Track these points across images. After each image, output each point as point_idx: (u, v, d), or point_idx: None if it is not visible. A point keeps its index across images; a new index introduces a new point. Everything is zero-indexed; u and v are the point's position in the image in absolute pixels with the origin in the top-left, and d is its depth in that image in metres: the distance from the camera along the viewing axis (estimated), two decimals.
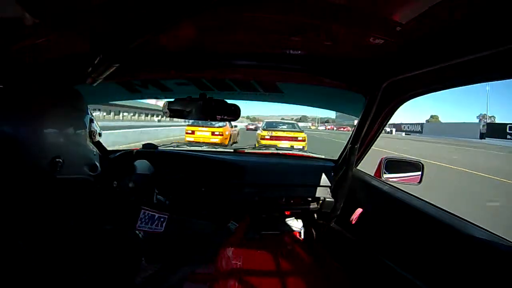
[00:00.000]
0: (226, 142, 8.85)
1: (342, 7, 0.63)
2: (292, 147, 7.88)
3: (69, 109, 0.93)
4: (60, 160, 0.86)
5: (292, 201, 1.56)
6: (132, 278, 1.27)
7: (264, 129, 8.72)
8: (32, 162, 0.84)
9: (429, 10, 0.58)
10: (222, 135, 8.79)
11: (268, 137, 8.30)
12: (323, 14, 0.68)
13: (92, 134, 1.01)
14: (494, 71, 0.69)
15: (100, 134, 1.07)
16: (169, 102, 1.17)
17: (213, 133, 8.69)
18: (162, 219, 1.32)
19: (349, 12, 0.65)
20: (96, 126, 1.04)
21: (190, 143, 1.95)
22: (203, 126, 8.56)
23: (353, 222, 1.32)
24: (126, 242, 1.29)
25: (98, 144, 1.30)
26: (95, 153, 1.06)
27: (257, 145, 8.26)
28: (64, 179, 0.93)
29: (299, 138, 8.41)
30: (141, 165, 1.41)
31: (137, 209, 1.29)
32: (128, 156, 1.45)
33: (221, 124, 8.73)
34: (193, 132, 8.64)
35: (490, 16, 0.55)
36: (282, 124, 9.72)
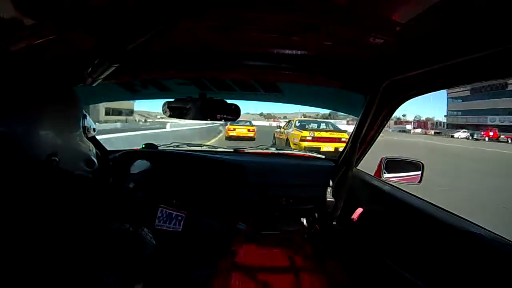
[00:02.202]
0: (255, 136, 12.38)
1: (342, 7, 0.63)
2: (336, 150, 7.04)
3: (63, 107, 0.92)
4: (56, 159, 0.86)
5: (292, 201, 1.56)
6: (135, 277, 1.26)
7: (302, 129, 7.76)
8: (28, 160, 0.84)
9: (429, 10, 0.58)
10: (254, 131, 12.56)
11: (310, 138, 7.41)
12: (323, 14, 0.68)
13: (85, 129, 1.01)
14: (494, 71, 0.70)
15: (94, 130, 1.06)
16: (168, 101, 1.17)
17: (248, 130, 12.35)
18: (180, 218, 1.30)
19: (349, 12, 0.65)
20: (89, 121, 1.03)
21: (190, 144, 1.94)
22: (241, 125, 12.14)
23: (354, 222, 1.32)
24: (129, 241, 1.29)
25: (98, 144, 1.29)
26: (90, 148, 1.05)
27: (294, 148, 7.11)
28: (61, 176, 0.93)
29: (342, 140, 7.36)
30: (141, 165, 1.40)
31: (140, 208, 1.27)
32: (128, 156, 1.45)
33: (248, 123, 13.01)
34: (234, 129, 11.97)
35: (490, 16, 0.55)
36: (319, 123, 8.86)
